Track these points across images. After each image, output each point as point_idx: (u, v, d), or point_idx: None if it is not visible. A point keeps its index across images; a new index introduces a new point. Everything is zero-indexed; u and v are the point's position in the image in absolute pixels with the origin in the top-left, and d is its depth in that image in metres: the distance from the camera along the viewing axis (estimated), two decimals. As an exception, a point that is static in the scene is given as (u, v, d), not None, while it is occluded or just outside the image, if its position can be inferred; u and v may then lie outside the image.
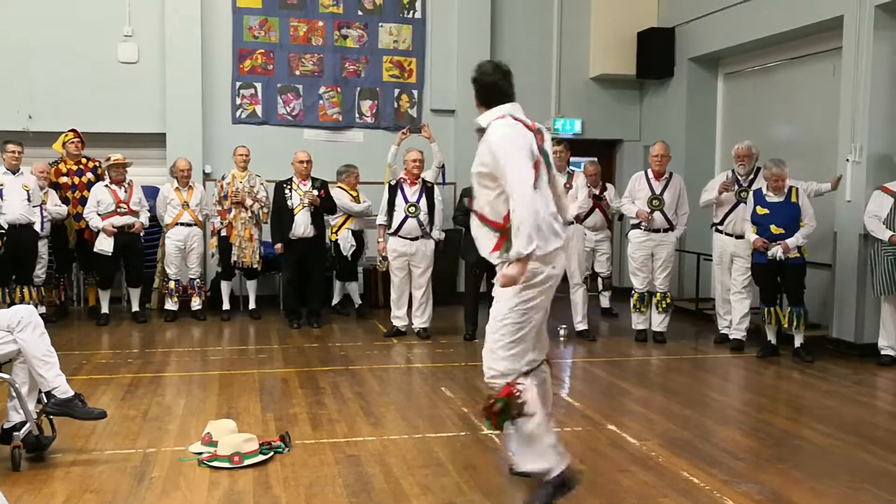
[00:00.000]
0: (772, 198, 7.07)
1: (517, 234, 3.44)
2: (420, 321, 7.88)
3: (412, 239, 7.73)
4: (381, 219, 7.90)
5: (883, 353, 6.98)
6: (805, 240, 7.02)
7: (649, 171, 7.84)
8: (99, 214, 8.19)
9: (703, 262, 9.18)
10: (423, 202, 7.75)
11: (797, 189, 7.09)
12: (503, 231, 3.57)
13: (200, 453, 4.37)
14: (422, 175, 7.83)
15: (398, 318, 7.91)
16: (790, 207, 7.03)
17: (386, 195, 7.85)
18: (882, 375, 6.65)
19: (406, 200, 7.72)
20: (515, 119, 3.63)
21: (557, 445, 3.63)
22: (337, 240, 8.82)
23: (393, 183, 7.82)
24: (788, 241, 6.93)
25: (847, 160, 7.38)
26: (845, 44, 7.47)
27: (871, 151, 7.27)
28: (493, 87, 3.71)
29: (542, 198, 3.61)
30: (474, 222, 3.73)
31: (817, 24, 7.93)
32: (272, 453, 4.37)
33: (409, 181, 7.76)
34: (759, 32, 8.71)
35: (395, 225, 7.72)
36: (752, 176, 7.59)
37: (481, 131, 3.68)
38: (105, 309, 8.45)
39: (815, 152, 8.19)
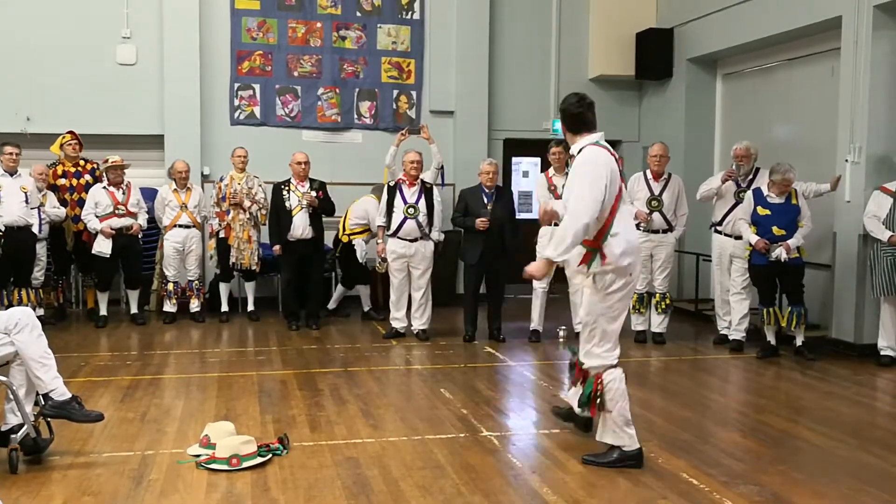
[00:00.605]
0: (773, 199, 7.06)
1: (559, 240, 4.00)
2: (419, 323, 7.86)
3: (411, 240, 7.71)
4: (379, 220, 7.88)
5: (882, 353, 6.97)
6: (803, 240, 7.03)
7: (648, 172, 7.83)
8: (97, 216, 8.17)
9: (702, 262, 9.17)
10: (422, 203, 7.74)
11: (796, 190, 7.10)
12: (591, 247, 4.10)
13: (199, 455, 4.36)
14: (420, 176, 7.82)
15: (397, 319, 7.89)
16: (791, 209, 7.04)
17: (385, 196, 7.84)
18: (882, 376, 6.64)
19: (405, 202, 7.70)
20: (600, 147, 4.19)
21: (631, 427, 4.24)
22: (351, 243, 8.74)
23: (392, 184, 7.81)
24: (789, 241, 6.94)
25: (846, 161, 7.37)
26: (844, 44, 7.46)
27: (870, 152, 7.26)
28: (578, 117, 4.35)
29: (627, 217, 4.23)
30: None
31: (816, 24, 7.92)
32: (270, 455, 4.36)
33: (407, 182, 7.74)
34: (757, 33, 8.71)
35: (393, 226, 7.70)
36: (751, 176, 7.58)
37: (572, 157, 4.30)
38: (103, 311, 8.43)
39: (814, 153, 8.18)
